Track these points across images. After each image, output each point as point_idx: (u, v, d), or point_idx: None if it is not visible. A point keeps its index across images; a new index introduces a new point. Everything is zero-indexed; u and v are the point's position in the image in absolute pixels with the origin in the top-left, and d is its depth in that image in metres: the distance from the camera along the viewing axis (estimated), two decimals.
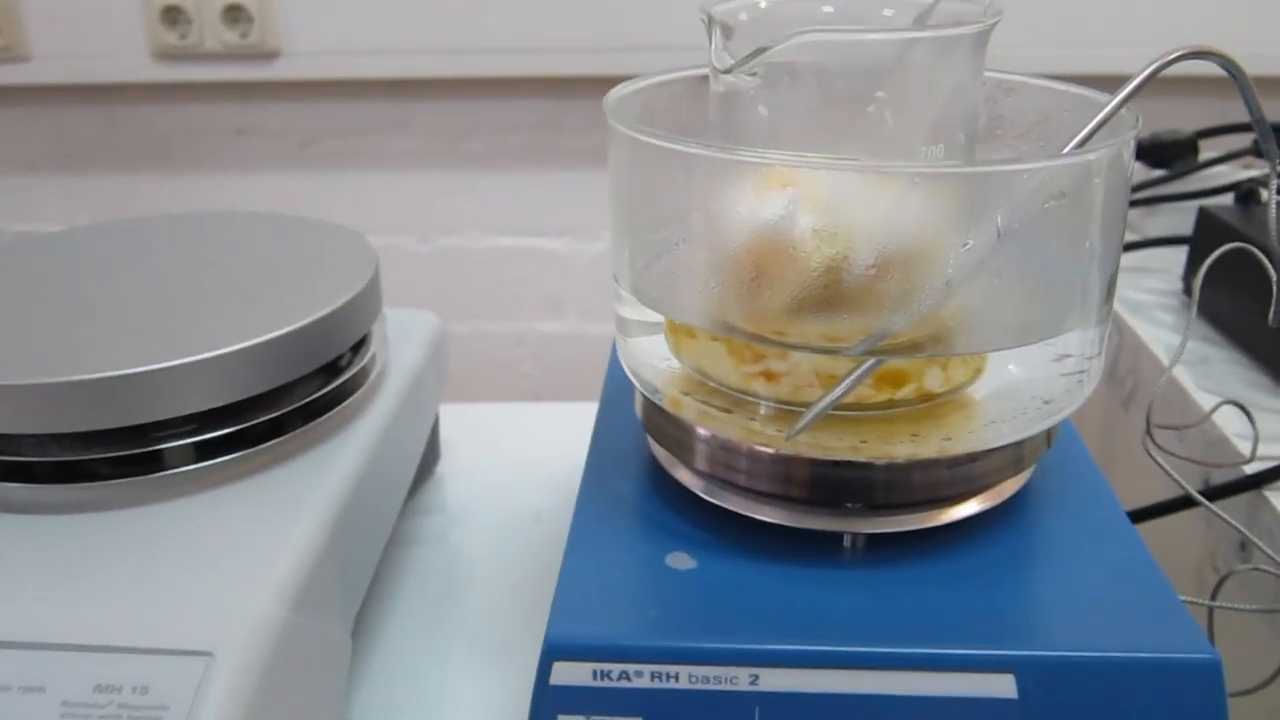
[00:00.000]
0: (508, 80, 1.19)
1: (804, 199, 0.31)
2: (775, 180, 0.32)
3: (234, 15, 1.14)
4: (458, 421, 0.58)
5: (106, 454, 0.36)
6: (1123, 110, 0.33)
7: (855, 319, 0.31)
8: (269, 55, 1.18)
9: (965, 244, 0.30)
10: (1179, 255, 0.69)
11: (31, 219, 1.32)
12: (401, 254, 1.30)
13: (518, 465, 0.55)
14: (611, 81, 0.38)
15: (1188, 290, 0.65)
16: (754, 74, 0.31)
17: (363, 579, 0.40)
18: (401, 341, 0.48)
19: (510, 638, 0.44)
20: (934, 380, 0.33)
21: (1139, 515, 0.49)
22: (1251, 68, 0.34)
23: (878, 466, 0.32)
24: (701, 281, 0.34)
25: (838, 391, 0.31)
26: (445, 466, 0.56)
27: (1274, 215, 0.38)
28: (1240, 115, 0.77)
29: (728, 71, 0.31)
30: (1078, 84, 0.37)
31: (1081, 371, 0.34)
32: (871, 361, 0.31)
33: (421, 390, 0.48)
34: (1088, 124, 0.32)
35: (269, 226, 0.49)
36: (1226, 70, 0.34)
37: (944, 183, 0.30)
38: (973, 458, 0.33)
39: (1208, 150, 0.79)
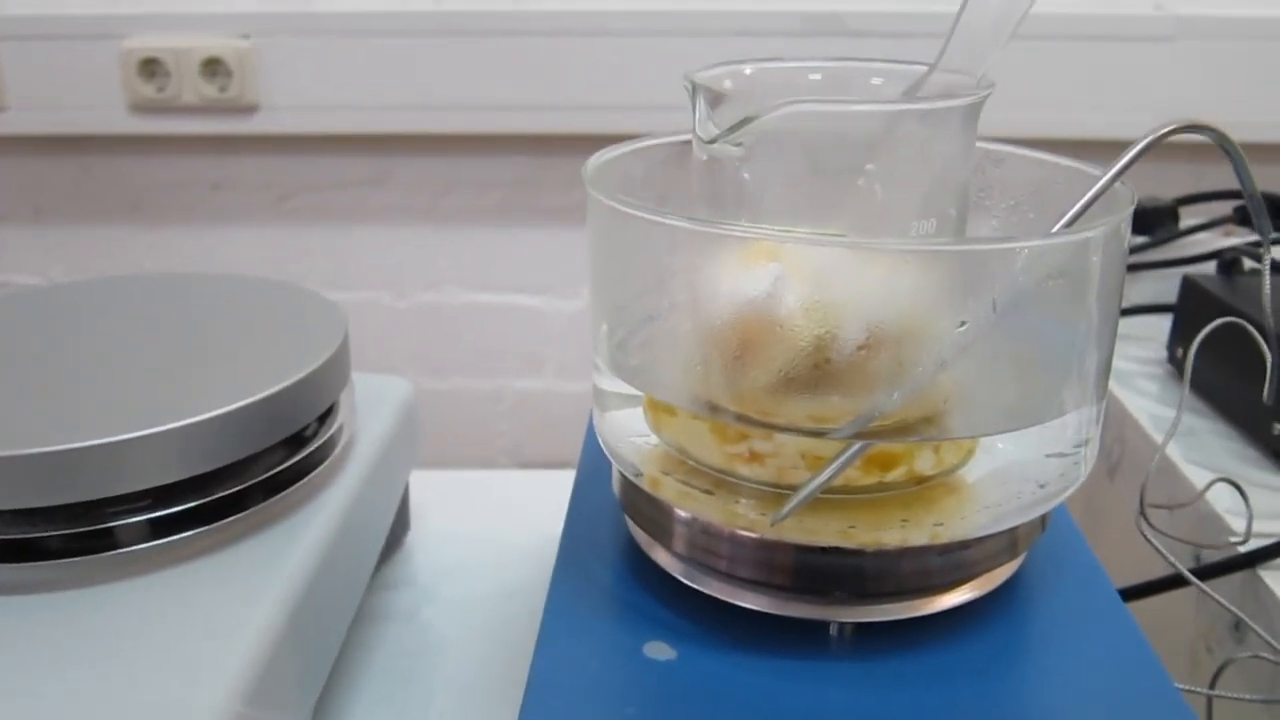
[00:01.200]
0: (488, 137, 1.19)
1: (791, 274, 0.30)
2: (761, 254, 0.30)
3: (213, 69, 1.13)
4: (428, 488, 0.56)
5: (56, 531, 0.34)
6: (1118, 184, 0.32)
7: (844, 399, 0.30)
8: (247, 109, 1.18)
9: (959, 323, 0.28)
10: (1161, 322, 0.69)
11: (4, 270, 1.30)
12: (378, 310, 1.28)
13: (490, 536, 0.53)
14: (592, 139, 0.37)
15: (1172, 359, 0.64)
16: (739, 144, 0.30)
17: (324, 665, 0.38)
18: (371, 409, 0.47)
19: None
20: (925, 463, 0.31)
21: (1130, 594, 0.48)
22: (1238, 135, 0.33)
23: (867, 553, 0.31)
24: (683, 358, 0.32)
25: (825, 475, 0.29)
26: (415, 537, 0.54)
27: (1267, 293, 0.37)
28: (1219, 182, 0.77)
29: (713, 141, 0.30)
30: (1067, 151, 0.37)
31: (1078, 451, 0.33)
32: (860, 445, 0.29)
33: (391, 460, 0.46)
34: (1080, 197, 0.31)
35: (234, 288, 0.47)
36: (1220, 145, 0.33)
37: (936, 260, 0.29)
38: (965, 545, 0.31)
39: (1188, 217, 0.79)
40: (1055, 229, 0.30)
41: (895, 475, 0.31)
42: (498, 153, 1.22)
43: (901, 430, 0.30)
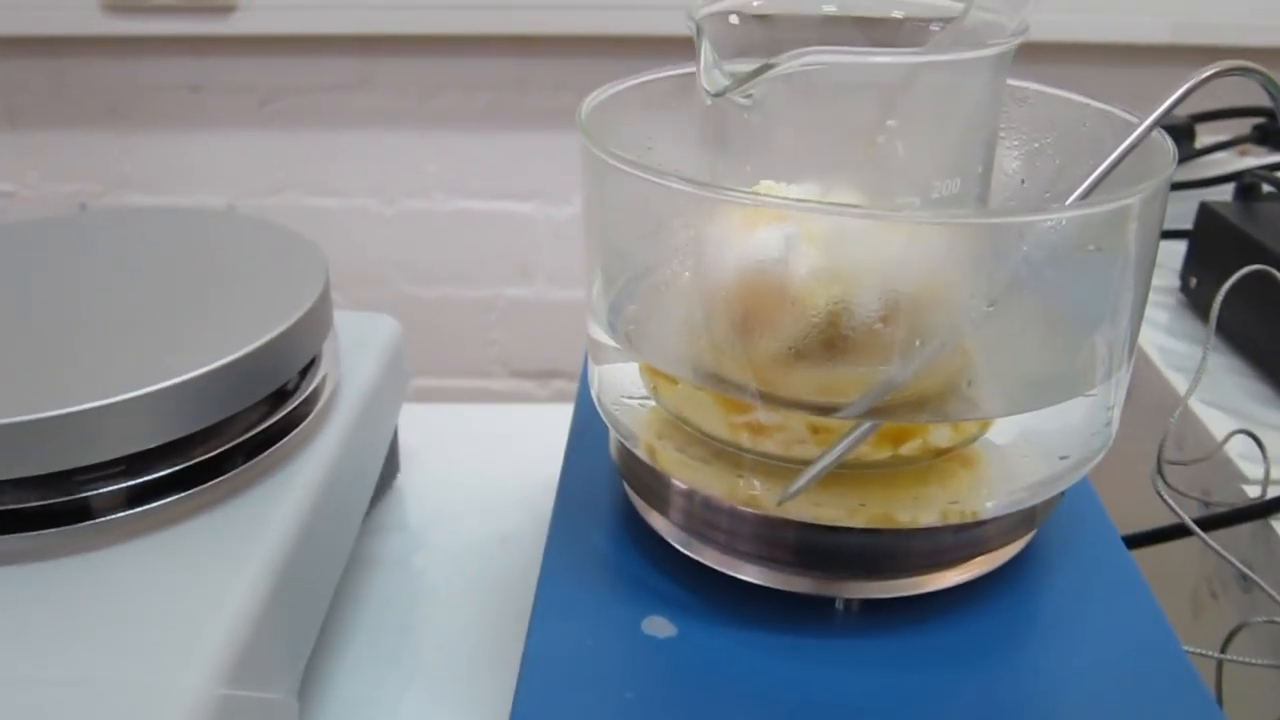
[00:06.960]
0: (473, 37, 1.15)
1: (802, 237, 0.28)
2: (769, 214, 0.28)
3: None
4: (418, 426, 0.54)
5: (27, 503, 0.32)
6: (1154, 133, 0.30)
7: (856, 371, 0.28)
8: (224, 9, 1.14)
9: (980, 293, 0.26)
10: (1174, 247, 0.67)
11: None
12: (365, 217, 1.25)
13: (483, 477, 0.52)
14: (579, 40, 0.34)
15: (1185, 288, 0.62)
16: (749, 95, 0.27)
17: (310, 632, 0.37)
18: (356, 352, 0.45)
19: (474, 678, 0.41)
20: (941, 436, 0.30)
21: (1135, 541, 0.46)
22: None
23: (876, 532, 0.29)
24: (684, 327, 0.30)
25: (833, 456, 0.28)
26: (405, 478, 0.52)
27: None
28: (1237, 97, 0.74)
29: (720, 94, 0.27)
30: (1082, 56, 0.34)
31: (1106, 420, 0.31)
32: (870, 424, 0.27)
33: (378, 406, 0.44)
34: (1109, 141, 0.29)
35: (204, 226, 0.45)
36: (1267, 90, 0.31)
37: (958, 231, 0.27)
38: (981, 522, 0.30)
39: (1205, 135, 0.77)
40: (1081, 190, 0.28)
41: (910, 449, 0.29)
42: (484, 54, 1.18)
43: (916, 406, 0.28)
